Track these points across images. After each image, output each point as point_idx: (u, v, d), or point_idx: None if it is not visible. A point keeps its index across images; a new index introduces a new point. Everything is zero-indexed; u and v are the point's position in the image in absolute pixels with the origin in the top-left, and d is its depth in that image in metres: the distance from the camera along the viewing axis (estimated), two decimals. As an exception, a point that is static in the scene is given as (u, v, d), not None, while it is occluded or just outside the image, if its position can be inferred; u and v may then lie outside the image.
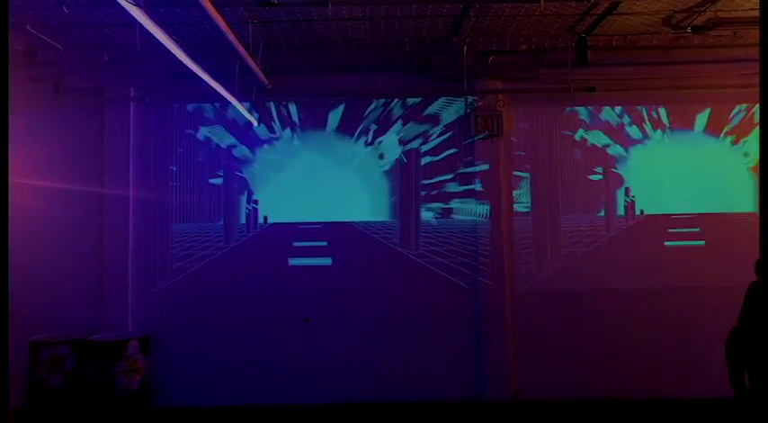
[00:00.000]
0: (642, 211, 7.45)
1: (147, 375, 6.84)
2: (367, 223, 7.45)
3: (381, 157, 7.50)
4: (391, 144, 7.51)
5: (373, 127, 7.51)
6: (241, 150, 7.48)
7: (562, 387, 7.09)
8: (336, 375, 7.19)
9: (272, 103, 7.43)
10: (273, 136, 7.50)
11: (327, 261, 7.38)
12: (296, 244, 7.39)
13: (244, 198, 7.45)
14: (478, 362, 7.19)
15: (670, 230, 7.39)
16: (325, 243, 7.41)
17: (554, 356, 7.16)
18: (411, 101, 7.49)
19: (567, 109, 7.49)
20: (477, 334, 7.24)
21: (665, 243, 7.38)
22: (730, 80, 7.17)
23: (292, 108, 7.50)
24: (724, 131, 7.49)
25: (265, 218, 7.43)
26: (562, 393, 7.04)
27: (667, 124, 7.51)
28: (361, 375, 7.18)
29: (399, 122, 7.51)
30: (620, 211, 7.47)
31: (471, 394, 7.15)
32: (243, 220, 7.43)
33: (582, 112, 7.51)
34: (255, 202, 7.45)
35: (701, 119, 7.50)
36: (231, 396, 7.12)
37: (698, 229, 7.39)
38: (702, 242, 7.36)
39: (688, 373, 6.92)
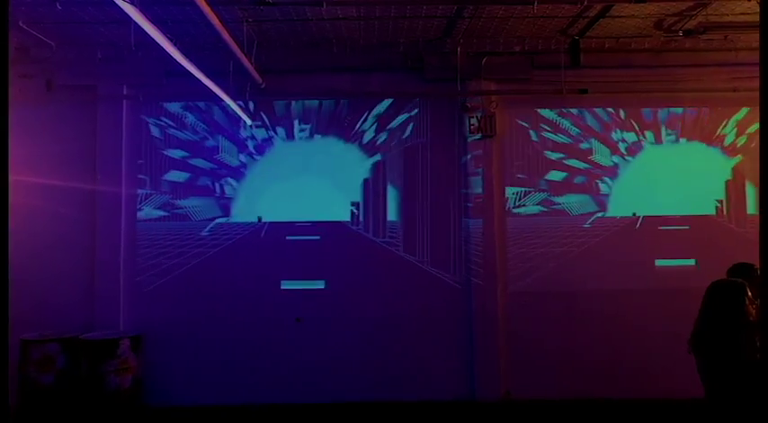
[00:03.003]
0: (634, 213, 7.50)
1: (139, 374, 6.82)
2: (359, 223, 7.47)
3: (373, 155, 7.51)
4: (383, 143, 7.52)
5: (366, 126, 7.52)
6: (233, 148, 7.47)
7: (554, 387, 7.13)
8: (328, 375, 7.19)
9: (265, 102, 7.43)
10: (266, 135, 7.49)
11: (320, 261, 7.38)
12: (288, 243, 7.39)
13: (236, 197, 7.45)
14: (470, 361, 7.22)
15: (662, 229, 7.45)
16: (317, 243, 7.41)
17: (546, 356, 7.20)
18: (404, 100, 7.51)
19: (560, 110, 7.55)
20: (469, 333, 7.27)
21: (657, 244, 7.44)
22: (721, 84, 7.26)
23: (286, 107, 7.50)
24: (714, 134, 7.57)
25: (259, 217, 7.42)
26: (554, 393, 7.08)
27: (659, 126, 7.58)
28: (353, 375, 7.19)
29: (392, 122, 7.53)
30: (613, 212, 7.52)
31: (462, 394, 7.18)
32: (235, 219, 7.42)
33: (574, 114, 7.56)
34: (235, 198, 7.46)
35: (693, 121, 7.57)
36: (224, 395, 7.11)
37: (690, 230, 7.45)
38: (694, 244, 7.42)
39: (680, 374, 6.91)
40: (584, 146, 7.55)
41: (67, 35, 6.76)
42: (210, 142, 7.47)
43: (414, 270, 7.38)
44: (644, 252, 7.42)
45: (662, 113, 7.58)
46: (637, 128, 7.57)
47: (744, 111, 7.49)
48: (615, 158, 7.56)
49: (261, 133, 7.49)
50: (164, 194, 7.40)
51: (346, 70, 7.36)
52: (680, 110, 7.56)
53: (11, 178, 6.53)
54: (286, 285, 7.32)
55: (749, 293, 4.40)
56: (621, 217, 7.50)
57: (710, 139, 7.56)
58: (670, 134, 7.58)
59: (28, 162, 7.00)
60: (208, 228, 7.39)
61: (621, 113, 7.57)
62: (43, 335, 6.70)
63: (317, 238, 7.42)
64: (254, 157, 7.48)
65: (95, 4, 5.85)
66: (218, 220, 7.41)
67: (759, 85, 2.82)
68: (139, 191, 7.36)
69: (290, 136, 7.52)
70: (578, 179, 7.53)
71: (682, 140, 7.58)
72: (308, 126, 7.52)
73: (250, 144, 7.48)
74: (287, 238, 7.39)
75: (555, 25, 6.69)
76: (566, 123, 7.56)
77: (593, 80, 7.23)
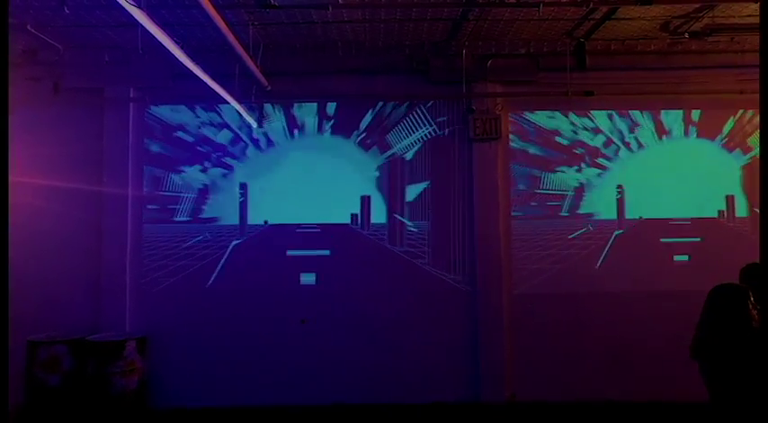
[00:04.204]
0: (641, 216, 7.49)
1: (145, 376, 6.84)
2: (364, 225, 7.47)
3: (379, 158, 7.52)
4: (388, 145, 7.53)
5: (371, 128, 7.53)
6: (239, 150, 7.49)
7: (559, 389, 7.11)
8: (333, 377, 7.20)
9: (271, 105, 7.45)
10: (272, 137, 7.52)
11: (325, 263, 7.39)
12: (293, 245, 7.40)
13: (240, 199, 7.46)
14: (475, 363, 7.21)
15: (666, 232, 7.44)
16: (322, 245, 7.42)
17: (551, 358, 7.19)
18: (409, 103, 7.52)
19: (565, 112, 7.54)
20: (475, 335, 7.25)
21: (662, 247, 7.41)
22: (727, 86, 7.23)
23: (291, 110, 7.52)
24: (720, 136, 7.54)
25: (265, 220, 7.44)
26: (559, 395, 7.07)
27: (665, 128, 7.56)
28: (358, 377, 7.19)
29: (397, 124, 7.53)
30: (618, 214, 7.50)
31: (467, 396, 7.16)
32: (241, 221, 7.43)
33: (580, 116, 7.55)
34: (245, 200, 7.47)
35: (698, 123, 7.55)
36: (229, 397, 7.13)
37: (694, 233, 7.43)
38: (699, 246, 7.40)
39: (684, 377, 6.88)
40: (589, 148, 7.54)
41: (75, 38, 6.80)
42: (217, 145, 7.49)
43: (419, 272, 7.37)
44: (649, 254, 7.39)
45: (667, 115, 7.56)
46: (643, 130, 7.55)
47: (750, 113, 7.46)
48: (621, 160, 7.53)
49: (266, 136, 7.50)
50: (170, 196, 7.43)
51: (352, 73, 7.37)
52: (686, 112, 7.54)
53: (17, 180, 6.56)
54: (291, 286, 7.33)
55: (752, 298, 4.36)
56: (626, 219, 7.48)
57: (716, 140, 7.54)
58: (676, 136, 7.55)
59: (35, 164, 7.05)
60: (214, 229, 7.41)
61: (627, 115, 7.55)
62: (50, 336, 6.73)
63: (322, 239, 7.42)
64: (260, 159, 7.50)
65: (103, 8, 5.89)
66: (224, 222, 7.44)
67: (759, 86, 2.82)
68: (145, 192, 7.39)
69: (295, 138, 7.53)
70: (583, 181, 7.52)
71: (688, 142, 7.55)
72: (313, 128, 7.54)
73: (255, 147, 7.50)
74: (292, 239, 7.40)
75: (560, 27, 6.68)
76: (571, 125, 7.55)
77: (598, 82, 7.22)
